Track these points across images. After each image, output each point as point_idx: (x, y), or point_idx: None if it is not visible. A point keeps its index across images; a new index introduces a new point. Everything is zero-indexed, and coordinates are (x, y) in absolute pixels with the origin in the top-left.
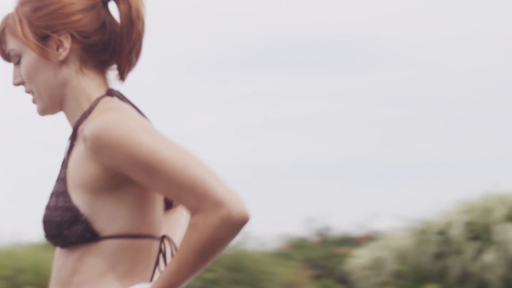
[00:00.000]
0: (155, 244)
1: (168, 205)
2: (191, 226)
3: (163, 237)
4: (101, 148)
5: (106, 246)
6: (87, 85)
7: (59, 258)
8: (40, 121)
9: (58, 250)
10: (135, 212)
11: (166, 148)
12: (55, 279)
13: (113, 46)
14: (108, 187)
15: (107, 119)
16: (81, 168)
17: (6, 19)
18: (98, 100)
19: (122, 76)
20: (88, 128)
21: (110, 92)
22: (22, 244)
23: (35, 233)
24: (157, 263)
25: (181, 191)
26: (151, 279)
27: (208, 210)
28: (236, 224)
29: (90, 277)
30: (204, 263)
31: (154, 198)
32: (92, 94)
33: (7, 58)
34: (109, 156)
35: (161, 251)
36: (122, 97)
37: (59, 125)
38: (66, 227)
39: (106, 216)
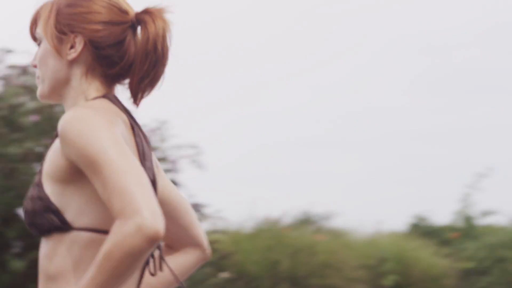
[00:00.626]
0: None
1: None
2: (111, 230)
3: None
4: (63, 140)
5: (78, 238)
6: (87, 88)
7: (41, 248)
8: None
9: (41, 240)
10: (104, 208)
11: (115, 153)
12: (40, 267)
13: (126, 66)
14: (74, 179)
15: (75, 113)
16: (53, 160)
17: (46, 3)
18: (91, 99)
19: (135, 100)
20: (60, 120)
21: (106, 95)
22: (384, 233)
23: (398, 221)
24: (146, 263)
25: (112, 195)
26: (138, 278)
27: (125, 217)
28: (146, 235)
29: (64, 268)
30: (113, 270)
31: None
32: (89, 95)
33: (34, 38)
34: (69, 148)
35: (156, 255)
36: (115, 102)
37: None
38: (39, 215)
39: (76, 208)
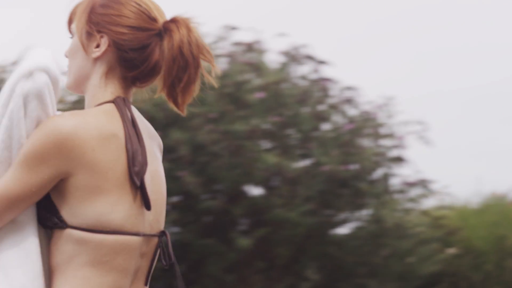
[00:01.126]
0: (127, 239)
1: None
2: None
3: (162, 233)
4: None
5: (72, 235)
6: (105, 89)
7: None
8: None
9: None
10: (93, 209)
11: (31, 159)
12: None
13: (146, 70)
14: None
15: (52, 124)
16: None
17: (84, 0)
18: (100, 104)
19: (177, 106)
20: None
21: (116, 100)
22: None
23: None
24: (153, 260)
25: None
26: (146, 276)
27: None
28: None
29: (60, 262)
30: None
31: (109, 192)
32: (102, 97)
33: (70, 31)
34: None
35: (159, 247)
36: (121, 107)
37: None
38: (43, 211)
39: (69, 206)
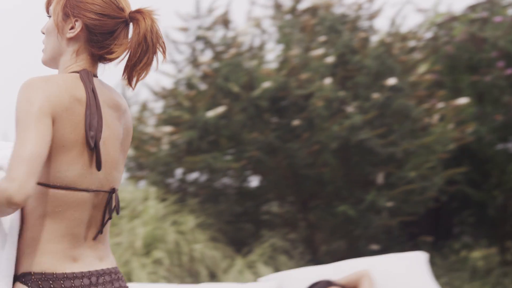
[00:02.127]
0: (77, 194)
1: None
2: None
3: (113, 189)
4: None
5: (38, 188)
6: (75, 63)
7: None
8: None
9: None
10: (51, 164)
11: (22, 126)
12: None
13: (111, 51)
14: None
15: (29, 80)
16: None
17: None
18: (67, 73)
19: (129, 82)
20: None
21: (81, 71)
22: None
23: None
24: (104, 212)
25: (12, 156)
26: (100, 225)
27: (7, 179)
28: (9, 200)
29: (27, 212)
30: None
31: (69, 152)
32: (70, 69)
33: (47, 11)
34: None
35: (107, 203)
36: (84, 78)
37: None
38: None
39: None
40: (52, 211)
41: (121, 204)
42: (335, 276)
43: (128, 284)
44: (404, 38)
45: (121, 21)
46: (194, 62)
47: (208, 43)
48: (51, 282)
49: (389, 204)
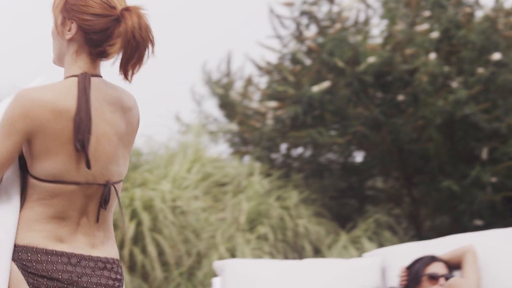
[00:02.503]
0: (63, 186)
1: None
2: None
3: (107, 182)
4: None
5: (30, 181)
6: (74, 64)
7: None
8: None
9: None
10: (40, 164)
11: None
12: None
13: (107, 47)
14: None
15: (19, 93)
16: None
17: None
18: (66, 77)
19: (126, 77)
20: None
21: (80, 75)
22: None
23: None
24: (100, 203)
25: None
26: (97, 214)
27: None
28: None
29: (27, 199)
30: None
31: (55, 155)
32: (72, 71)
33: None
34: None
35: (103, 194)
36: (82, 81)
37: None
38: (23, 161)
39: (30, 162)
40: (42, 198)
41: (225, 179)
42: (439, 251)
43: (232, 260)
44: (508, 13)
45: (113, 19)
46: (299, 37)
47: (313, 18)
48: (29, 254)
49: (493, 179)
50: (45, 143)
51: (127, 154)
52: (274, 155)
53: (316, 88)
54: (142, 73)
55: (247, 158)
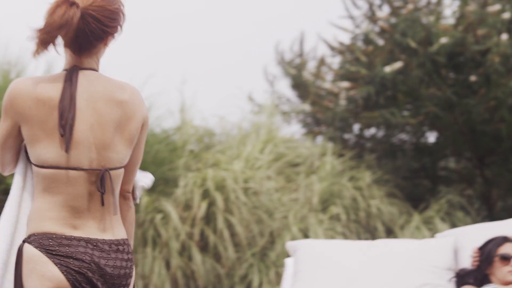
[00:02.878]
0: (62, 172)
1: None
2: None
3: (102, 167)
4: None
5: (33, 169)
6: (65, 60)
7: None
8: None
9: None
10: (33, 150)
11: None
12: None
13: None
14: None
15: (14, 81)
16: None
17: None
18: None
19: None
20: None
21: (68, 69)
22: None
23: None
24: (97, 188)
25: None
26: (101, 199)
27: None
28: None
29: (35, 189)
30: None
31: (43, 141)
32: (64, 67)
33: None
34: None
35: (100, 179)
36: (68, 73)
37: None
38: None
39: (27, 148)
40: (48, 186)
41: (298, 160)
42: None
43: (305, 241)
44: None
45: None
46: (371, 17)
47: None
48: (50, 240)
49: None
50: (32, 130)
51: (127, 143)
52: (346, 136)
53: (388, 69)
54: (215, 53)
55: (319, 139)
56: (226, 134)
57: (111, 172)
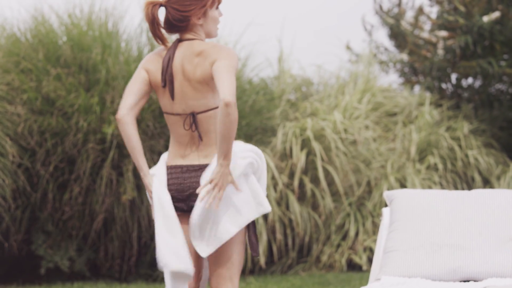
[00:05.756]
0: (171, 116)
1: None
2: None
3: (192, 113)
4: None
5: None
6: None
7: None
8: None
9: None
10: (159, 99)
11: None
12: None
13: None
14: None
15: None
16: None
17: None
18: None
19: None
20: None
21: (174, 41)
22: None
23: None
24: (190, 128)
25: None
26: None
27: None
28: (117, 119)
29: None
30: None
31: (159, 93)
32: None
33: None
34: None
35: (193, 122)
36: (176, 42)
37: None
38: None
39: None
40: (170, 128)
41: (396, 110)
42: None
43: (402, 190)
44: None
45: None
46: None
47: None
48: (169, 170)
49: None
50: (155, 80)
51: (203, 89)
52: (444, 85)
53: (486, 18)
54: (314, 5)
55: (417, 88)
56: (324, 83)
57: (198, 115)
